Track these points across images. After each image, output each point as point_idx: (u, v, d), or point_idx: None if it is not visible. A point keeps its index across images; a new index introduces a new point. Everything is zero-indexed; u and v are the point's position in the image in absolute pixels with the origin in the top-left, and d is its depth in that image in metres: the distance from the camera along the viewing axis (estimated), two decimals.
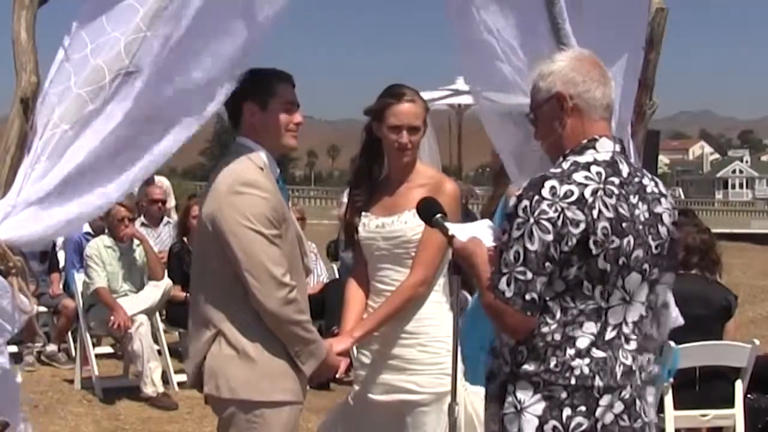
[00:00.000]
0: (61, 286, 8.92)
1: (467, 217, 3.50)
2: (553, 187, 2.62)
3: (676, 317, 3.79)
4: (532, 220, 2.60)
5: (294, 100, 3.44)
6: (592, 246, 2.60)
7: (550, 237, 2.59)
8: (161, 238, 9.04)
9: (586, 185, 2.63)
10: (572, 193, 2.61)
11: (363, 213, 3.79)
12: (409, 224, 3.66)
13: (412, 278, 3.65)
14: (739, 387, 5.39)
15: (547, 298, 2.63)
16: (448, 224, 3.00)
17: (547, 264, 2.60)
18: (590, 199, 2.62)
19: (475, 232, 2.91)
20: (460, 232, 2.93)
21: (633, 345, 2.70)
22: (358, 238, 3.79)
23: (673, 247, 2.81)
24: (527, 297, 2.61)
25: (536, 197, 2.62)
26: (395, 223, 3.70)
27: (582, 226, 2.60)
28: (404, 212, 3.69)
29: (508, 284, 2.62)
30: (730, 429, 5.48)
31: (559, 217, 2.59)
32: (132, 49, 2.87)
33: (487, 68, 3.75)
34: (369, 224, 3.77)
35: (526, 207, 2.62)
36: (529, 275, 2.60)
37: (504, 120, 3.85)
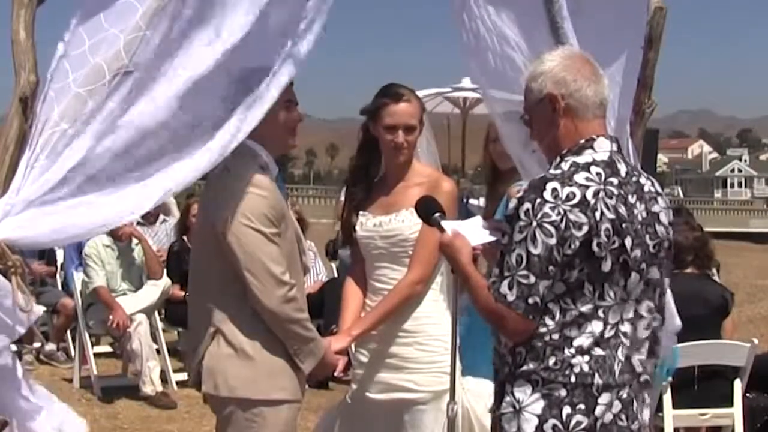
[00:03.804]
0: (59, 285, 8.93)
1: (468, 216, 3.50)
2: (555, 190, 2.61)
3: (672, 321, 3.78)
4: (534, 223, 2.59)
5: (293, 98, 3.44)
6: (595, 248, 2.59)
7: (553, 240, 2.57)
8: (158, 236, 9.04)
9: (587, 187, 2.62)
10: (574, 195, 2.60)
11: (360, 212, 3.80)
12: (406, 223, 3.66)
13: (409, 276, 3.66)
14: (738, 386, 5.39)
15: (547, 300, 2.63)
16: (444, 222, 3.00)
17: (551, 268, 2.59)
18: (592, 201, 2.60)
19: (467, 230, 2.91)
20: (450, 228, 2.92)
21: (630, 344, 2.69)
22: (356, 236, 3.80)
23: (671, 247, 2.81)
24: (530, 301, 2.60)
25: (538, 200, 2.60)
26: (393, 222, 3.71)
27: (585, 228, 2.59)
28: (402, 211, 3.69)
29: (510, 288, 2.61)
30: (729, 428, 5.48)
31: (562, 220, 2.58)
32: (131, 48, 2.86)
33: (491, 67, 3.75)
34: (366, 223, 3.77)
35: (528, 210, 2.60)
36: (532, 279, 2.59)
37: (510, 119, 3.85)
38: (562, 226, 2.58)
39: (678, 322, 3.81)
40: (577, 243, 2.58)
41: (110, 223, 2.95)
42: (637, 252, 2.67)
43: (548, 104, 2.77)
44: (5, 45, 2.94)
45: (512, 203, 2.68)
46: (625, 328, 2.69)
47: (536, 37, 3.67)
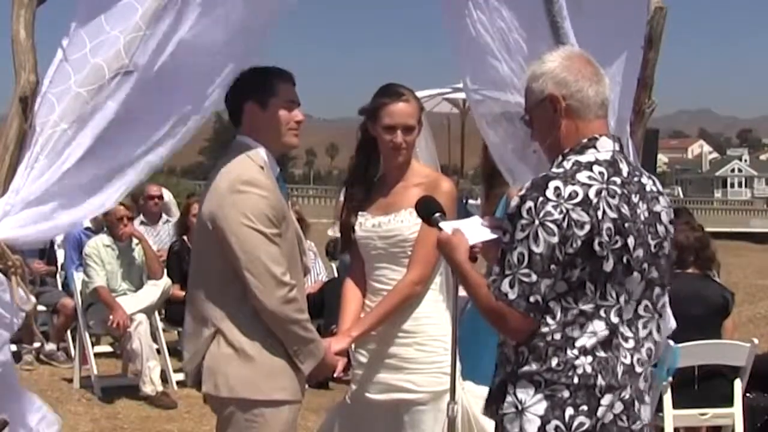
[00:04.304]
0: (59, 285, 8.93)
1: (467, 216, 3.50)
2: (557, 188, 2.60)
3: (669, 320, 3.78)
4: (537, 221, 2.58)
5: (295, 98, 3.44)
6: (597, 247, 2.59)
7: (555, 239, 2.57)
8: (160, 236, 9.05)
9: (590, 186, 2.62)
10: (577, 194, 2.59)
11: (359, 212, 3.79)
12: (405, 223, 3.66)
13: (408, 276, 3.65)
14: (738, 386, 5.40)
15: (549, 299, 2.62)
16: (444, 222, 3.00)
17: (552, 266, 2.58)
18: (595, 200, 2.60)
19: (467, 229, 2.90)
20: (449, 228, 2.92)
21: (632, 344, 2.68)
22: (355, 237, 3.79)
23: (672, 246, 2.81)
24: (531, 299, 2.59)
25: (540, 198, 2.59)
26: (392, 222, 3.70)
27: (587, 227, 2.58)
28: (401, 211, 3.69)
29: (512, 286, 2.60)
30: (729, 428, 5.49)
31: (564, 218, 2.57)
32: (131, 48, 2.87)
33: (483, 67, 3.75)
34: (365, 223, 3.76)
35: (530, 208, 2.59)
36: (534, 277, 2.58)
37: (499, 120, 3.85)
38: (565, 224, 2.57)
39: (673, 323, 3.80)
40: (579, 242, 2.58)
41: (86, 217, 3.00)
42: (639, 252, 2.66)
43: (549, 105, 2.76)
44: (5, 45, 2.94)
45: (514, 201, 2.67)
46: (626, 328, 2.68)
47: (535, 36, 3.67)
